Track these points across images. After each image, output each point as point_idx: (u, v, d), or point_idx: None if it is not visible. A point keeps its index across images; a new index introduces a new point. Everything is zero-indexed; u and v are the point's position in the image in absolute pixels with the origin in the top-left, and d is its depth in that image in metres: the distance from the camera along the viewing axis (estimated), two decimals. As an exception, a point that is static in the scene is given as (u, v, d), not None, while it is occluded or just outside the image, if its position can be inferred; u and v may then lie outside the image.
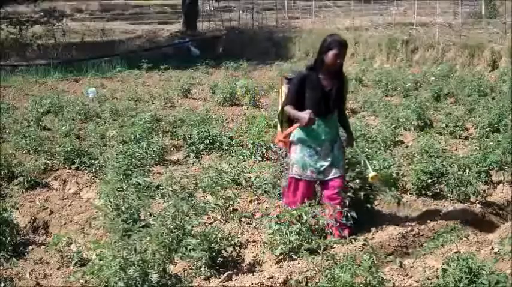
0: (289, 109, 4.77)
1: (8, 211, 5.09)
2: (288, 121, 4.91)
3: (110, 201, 5.10)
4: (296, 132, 4.84)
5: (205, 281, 4.17)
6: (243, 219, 5.21)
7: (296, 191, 4.88)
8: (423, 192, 5.82)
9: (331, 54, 4.66)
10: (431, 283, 3.69)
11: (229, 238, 4.55)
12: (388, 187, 5.40)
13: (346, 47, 4.74)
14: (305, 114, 4.60)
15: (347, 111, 9.86)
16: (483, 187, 5.79)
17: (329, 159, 4.79)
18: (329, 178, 4.80)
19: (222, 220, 5.31)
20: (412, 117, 8.74)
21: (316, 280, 3.86)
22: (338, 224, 4.61)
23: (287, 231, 4.45)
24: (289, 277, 4.05)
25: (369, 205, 5.16)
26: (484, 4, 18.71)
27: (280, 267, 4.25)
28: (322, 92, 4.74)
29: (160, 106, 10.86)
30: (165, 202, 5.54)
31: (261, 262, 4.50)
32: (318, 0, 22.79)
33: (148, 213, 5.05)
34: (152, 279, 3.65)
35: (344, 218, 4.62)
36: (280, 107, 5.01)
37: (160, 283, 3.69)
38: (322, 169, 4.78)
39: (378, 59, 16.87)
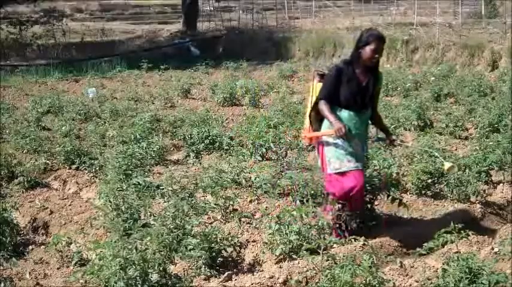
0: (324, 108, 4.60)
1: (8, 211, 5.09)
2: (317, 119, 4.76)
3: (110, 201, 5.10)
4: (325, 125, 4.69)
5: (205, 281, 4.17)
6: (243, 219, 5.21)
7: (337, 185, 4.66)
8: (423, 192, 5.82)
9: (368, 49, 4.56)
10: (431, 283, 3.69)
11: (229, 238, 4.55)
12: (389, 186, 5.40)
13: (384, 42, 4.65)
14: (340, 125, 4.44)
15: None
16: (483, 187, 5.79)
17: (359, 156, 4.68)
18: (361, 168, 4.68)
19: (222, 220, 5.31)
20: (412, 117, 8.74)
21: (316, 280, 3.86)
22: (338, 225, 4.60)
23: (287, 231, 4.46)
24: (289, 277, 4.05)
25: (369, 205, 5.16)
26: (484, 4, 18.69)
27: (280, 267, 4.25)
28: (358, 87, 4.63)
29: (160, 106, 10.86)
30: (165, 202, 5.54)
31: (261, 262, 4.50)
32: (318, 0, 22.77)
33: (148, 213, 5.06)
34: (152, 279, 3.66)
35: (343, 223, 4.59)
36: (310, 102, 4.86)
37: (160, 283, 3.70)
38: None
39: (378, 59, 16.85)
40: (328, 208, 4.73)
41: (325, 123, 4.71)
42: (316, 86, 4.84)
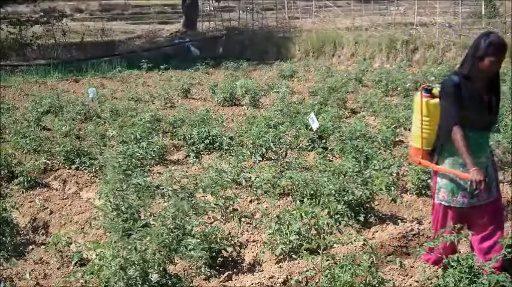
0: (460, 140, 3.87)
1: (8, 211, 5.09)
2: (438, 143, 4.09)
3: (110, 201, 5.11)
4: (445, 149, 4.05)
5: (205, 281, 4.17)
6: (243, 219, 5.21)
7: (445, 220, 4.12)
8: (423, 192, 5.82)
9: (488, 61, 3.88)
10: (431, 283, 3.69)
11: (229, 238, 4.55)
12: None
13: (506, 50, 3.92)
14: (479, 176, 3.77)
15: (348, 111, 10.04)
16: (483, 187, 5.78)
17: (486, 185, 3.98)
18: (483, 203, 4.04)
19: (222, 220, 5.31)
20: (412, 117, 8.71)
21: (316, 280, 3.87)
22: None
23: (287, 231, 4.46)
24: (289, 277, 4.06)
25: (368, 205, 5.17)
26: (484, 4, 18.68)
27: (280, 267, 4.25)
28: (480, 104, 3.97)
29: (160, 106, 10.87)
30: (165, 202, 5.54)
31: (261, 262, 4.50)
32: (318, 0, 22.77)
33: (148, 213, 5.06)
34: (152, 279, 3.66)
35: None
36: (419, 120, 4.18)
37: (160, 283, 3.70)
38: (476, 192, 3.90)
39: (378, 59, 16.86)
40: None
41: (447, 149, 4.04)
42: (426, 104, 4.14)
